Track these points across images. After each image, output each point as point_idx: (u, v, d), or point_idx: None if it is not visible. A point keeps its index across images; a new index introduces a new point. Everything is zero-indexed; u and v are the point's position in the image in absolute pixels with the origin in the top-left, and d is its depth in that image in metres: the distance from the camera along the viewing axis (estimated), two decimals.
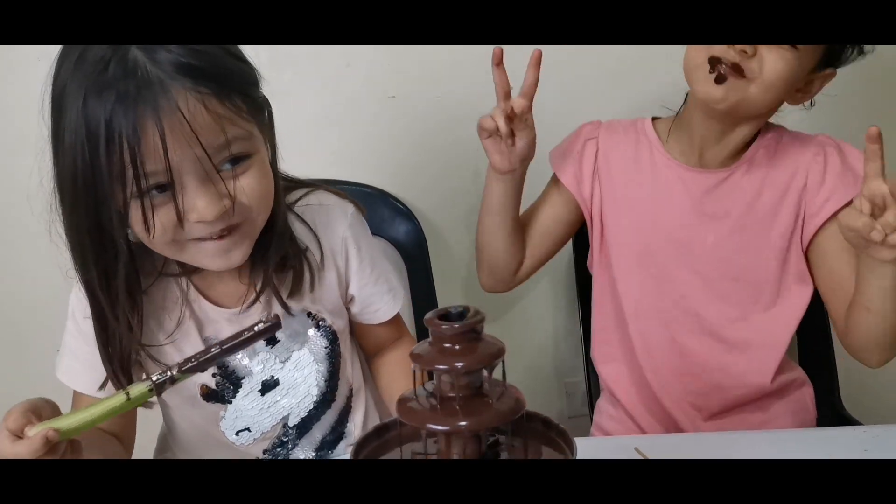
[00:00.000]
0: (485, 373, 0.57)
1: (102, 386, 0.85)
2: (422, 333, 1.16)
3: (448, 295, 1.26)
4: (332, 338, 0.93)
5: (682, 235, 1.02)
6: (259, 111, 0.80)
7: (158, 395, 0.69)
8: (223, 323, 0.89)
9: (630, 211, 1.05)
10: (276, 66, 1.19)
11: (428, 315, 0.55)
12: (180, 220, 0.74)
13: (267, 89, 1.23)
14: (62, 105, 0.72)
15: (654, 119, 1.08)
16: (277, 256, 0.86)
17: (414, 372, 0.57)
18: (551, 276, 1.34)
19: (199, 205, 0.73)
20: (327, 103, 1.23)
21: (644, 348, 1.06)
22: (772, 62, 0.91)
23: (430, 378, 0.58)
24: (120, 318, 0.81)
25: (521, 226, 1.10)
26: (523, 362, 1.35)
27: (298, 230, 0.90)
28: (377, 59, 1.22)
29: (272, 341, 0.90)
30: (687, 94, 1.03)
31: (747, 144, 1.02)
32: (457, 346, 0.54)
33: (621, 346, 1.09)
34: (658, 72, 1.21)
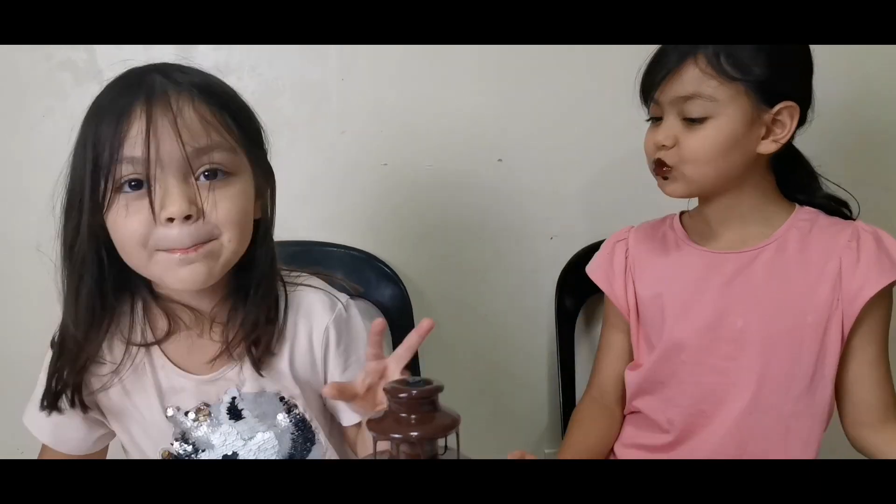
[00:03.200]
0: (440, 443, 0.58)
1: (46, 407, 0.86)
2: None
3: (430, 360, 1.27)
4: (303, 425, 0.91)
5: (711, 321, 1.00)
6: (255, 155, 0.84)
7: None
8: (188, 392, 0.88)
9: (661, 302, 1.04)
10: (273, 130, 1.24)
11: (386, 384, 0.57)
12: (153, 211, 0.75)
13: None
14: (82, 123, 0.79)
15: (682, 213, 1.10)
16: (254, 316, 0.86)
17: (374, 439, 0.59)
18: (534, 348, 1.35)
19: (169, 201, 0.75)
20: (322, 168, 1.27)
21: (683, 440, 1.03)
22: (687, 141, 0.95)
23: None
24: (81, 328, 0.83)
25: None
26: (503, 431, 1.36)
27: (282, 305, 0.89)
28: (371, 128, 1.26)
29: (236, 416, 0.89)
30: None
31: (773, 221, 1.01)
32: (412, 416, 0.56)
33: (659, 437, 1.06)
34: None
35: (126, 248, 0.79)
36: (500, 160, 1.29)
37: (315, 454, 0.93)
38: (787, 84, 0.96)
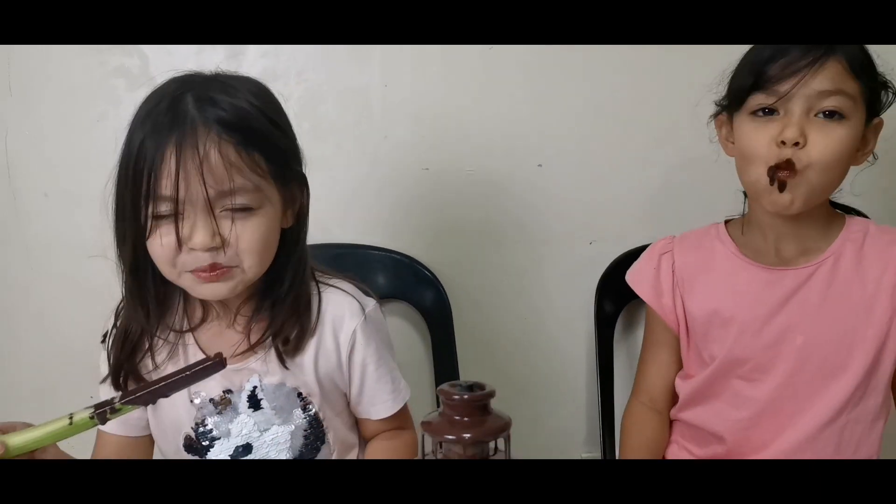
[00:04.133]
0: (492, 445, 0.60)
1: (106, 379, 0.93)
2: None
3: (469, 363, 1.29)
4: (316, 424, 0.95)
5: (771, 338, 1.00)
6: (284, 177, 0.88)
7: (102, 423, 0.73)
8: (214, 379, 0.89)
9: (717, 319, 1.03)
10: (317, 135, 1.27)
11: (441, 386, 0.59)
12: (179, 243, 0.82)
13: (309, 156, 1.30)
14: (127, 135, 0.85)
15: (726, 222, 1.08)
16: (281, 318, 0.92)
17: (423, 437, 0.60)
18: (573, 352, 1.36)
19: (195, 234, 0.82)
20: (364, 173, 1.29)
21: (733, 452, 1.03)
22: (821, 141, 0.91)
23: (441, 447, 0.61)
24: (143, 306, 0.90)
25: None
26: (543, 433, 1.37)
27: (315, 304, 0.95)
28: (413, 134, 1.28)
29: (256, 405, 0.93)
30: (746, 193, 1.03)
31: (828, 235, 1.00)
32: (465, 419, 0.58)
33: (707, 449, 1.06)
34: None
35: (159, 265, 0.87)
36: (540, 165, 1.30)
37: (323, 454, 0.97)
38: (882, 98, 0.96)
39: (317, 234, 1.26)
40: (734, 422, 1.02)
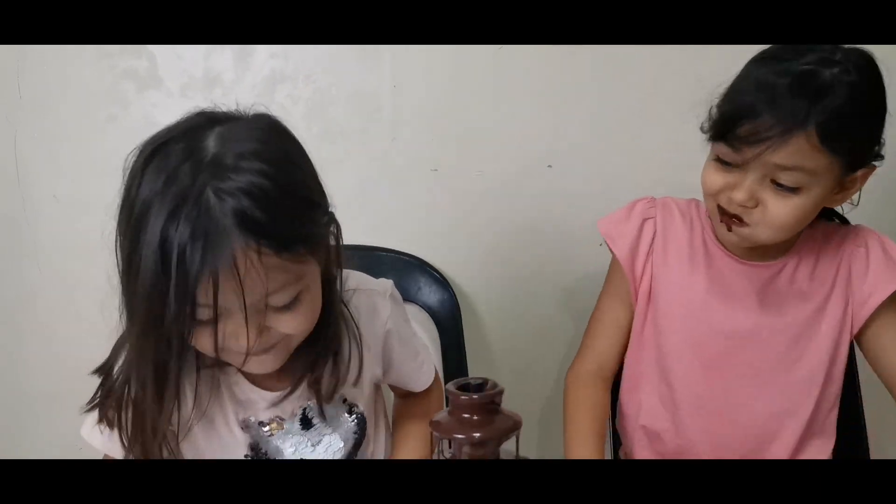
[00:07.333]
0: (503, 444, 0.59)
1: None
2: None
3: (479, 364, 1.28)
4: (362, 423, 0.94)
5: (738, 328, 1.00)
6: (320, 241, 0.80)
7: None
8: (261, 406, 0.89)
9: (684, 297, 1.03)
10: (326, 137, 1.27)
11: (448, 385, 0.58)
12: (216, 348, 0.76)
13: (318, 158, 1.30)
14: (145, 219, 0.72)
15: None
16: (323, 362, 0.86)
17: (433, 437, 0.59)
18: None
19: (241, 336, 0.75)
20: (373, 174, 1.29)
21: (686, 436, 1.04)
22: (774, 208, 0.90)
23: (451, 446, 0.60)
24: (164, 412, 0.81)
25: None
26: (551, 435, 1.35)
27: (342, 324, 0.88)
28: (422, 135, 1.28)
29: (307, 425, 0.91)
30: None
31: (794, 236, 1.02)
32: (475, 417, 0.57)
33: (664, 427, 1.06)
34: None
35: (201, 349, 0.80)
36: (549, 166, 1.30)
37: (363, 445, 0.96)
38: (873, 149, 0.93)
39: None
40: (694, 411, 1.02)
